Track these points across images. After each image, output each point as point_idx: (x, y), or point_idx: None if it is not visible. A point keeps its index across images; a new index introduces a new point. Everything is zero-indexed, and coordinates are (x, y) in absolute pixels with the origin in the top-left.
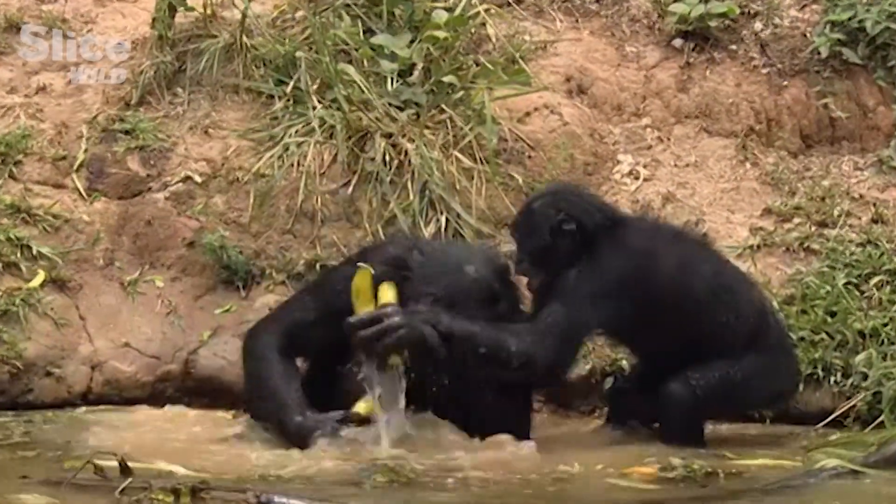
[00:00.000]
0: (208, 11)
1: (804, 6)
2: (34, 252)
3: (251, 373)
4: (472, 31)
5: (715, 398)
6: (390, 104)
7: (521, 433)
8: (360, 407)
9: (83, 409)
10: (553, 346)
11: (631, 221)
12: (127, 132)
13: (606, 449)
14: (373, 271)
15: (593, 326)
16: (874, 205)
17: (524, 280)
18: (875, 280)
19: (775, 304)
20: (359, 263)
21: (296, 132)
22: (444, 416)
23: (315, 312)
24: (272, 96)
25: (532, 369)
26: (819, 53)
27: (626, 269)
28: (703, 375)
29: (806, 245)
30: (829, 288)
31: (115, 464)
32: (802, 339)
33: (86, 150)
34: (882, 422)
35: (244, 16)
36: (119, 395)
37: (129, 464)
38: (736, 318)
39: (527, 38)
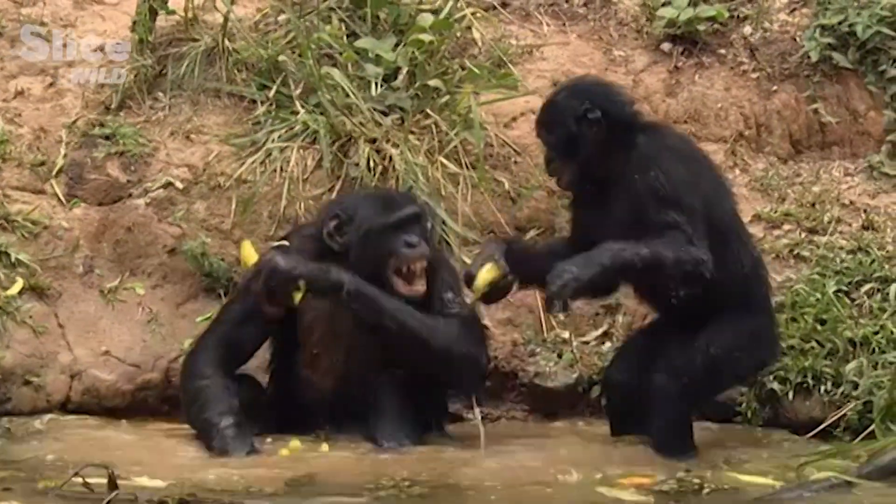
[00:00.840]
0: (190, 15)
1: (794, 10)
2: (12, 259)
3: (183, 390)
4: (458, 34)
5: (701, 383)
6: (374, 109)
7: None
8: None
9: None
10: (701, 245)
11: (665, 126)
12: (107, 137)
13: (604, 458)
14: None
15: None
16: (865, 211)
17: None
18: (866, 288)
19: None
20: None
21: (278, 137)
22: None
23: (242, 314)
24: (254, 101)
25: (701, 271)
26: (809, 58)
27: (680, 171)
28: (685, 361)
29: (796, 252)
30: (819, 295)
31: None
32: (792, 347)
33: (65, 156)
34: (872, 431)
35: (226, 19)
36: (98, 405)
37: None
38: (738, 264)
39: (513, 42)
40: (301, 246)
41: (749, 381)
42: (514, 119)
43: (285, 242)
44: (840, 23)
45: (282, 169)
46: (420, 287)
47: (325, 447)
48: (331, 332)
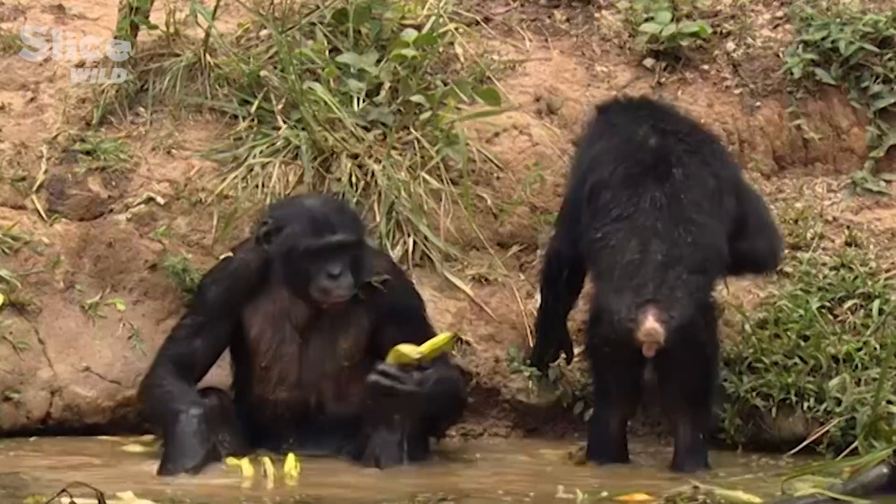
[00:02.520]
0: (171, 30)
1: (777, 26)
2: None
3: (146, 401)
4: (441, 50)
5: (594, 381)
6: (357, 124)
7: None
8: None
9: None
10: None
11: (612, 115)
12: (88, 153)
13: (605, 474)
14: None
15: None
16: (848, 227)
17: None
18: (849, 304)
19: (748, 327)
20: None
21: (260, 153)
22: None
23: (192, 330)
24: (236, 116)
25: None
26: (792, 74)
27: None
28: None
29: (779, 268)
30: (802, 312)
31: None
32: (776, 363)
33: (46, 171)
34: (856, 448)
35: (208, 34)
36: (79, 421)
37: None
38: (586, 240)
39: (496, 57)
40: (245, 258)
41: (603, 365)
42: (496, 135)
43: (230, 254)
44: (823, 39)
45: (264, 185)
46: (346, 291)
47: (291, 463)
48: (278, 343)
